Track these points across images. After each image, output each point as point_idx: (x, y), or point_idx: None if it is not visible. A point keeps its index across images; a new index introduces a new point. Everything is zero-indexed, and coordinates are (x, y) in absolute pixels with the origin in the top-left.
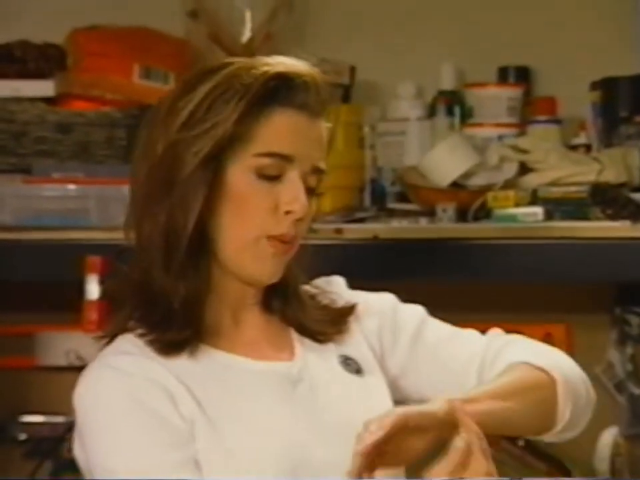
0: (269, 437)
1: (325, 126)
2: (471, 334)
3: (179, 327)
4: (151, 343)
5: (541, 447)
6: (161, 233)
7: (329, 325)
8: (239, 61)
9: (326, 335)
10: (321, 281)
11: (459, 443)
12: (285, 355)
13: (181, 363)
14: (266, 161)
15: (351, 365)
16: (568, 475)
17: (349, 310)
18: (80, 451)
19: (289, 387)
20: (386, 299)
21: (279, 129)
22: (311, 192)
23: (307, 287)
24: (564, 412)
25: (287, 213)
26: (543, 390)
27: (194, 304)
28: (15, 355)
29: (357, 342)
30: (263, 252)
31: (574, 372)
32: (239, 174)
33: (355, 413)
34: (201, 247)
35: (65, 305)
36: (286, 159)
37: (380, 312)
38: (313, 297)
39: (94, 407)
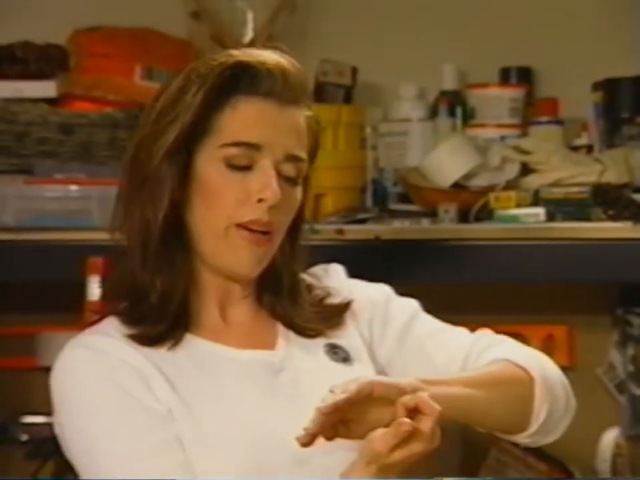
0: (245, 423)
1: (302, 114)
2: (459, 331)
3: (153, 321)
4: (131, 337)
5: (542, 448)
6: (136, 229)
7: (321, 322)
8: (206, 55)
9: (316, 330)
10: (319, 269)
11: (403, 425)
12: (268, 346)
13: (161, 351)
14: (233, 150)
15: (338, 354)
16: (569, 476)
17: (345, 307)
18: (59, 429)
19: (270, 375)
20: (381, 290)
21: (245, 118)
22: (290, 181)
23: (304, 276)
24: (539, 412)
25: (259, 201)
26: (519, 386)
27: (170, 298)
28: (16, 356)
29: (348, 332)
30: (236, 243)
31: (555, 375)
32: (209, 165)
33: None
34: (177, 241)
35: (66, 305)
36: (254, 147)
37: (373, 302)
38: (309, 287)
39: (68, 387)
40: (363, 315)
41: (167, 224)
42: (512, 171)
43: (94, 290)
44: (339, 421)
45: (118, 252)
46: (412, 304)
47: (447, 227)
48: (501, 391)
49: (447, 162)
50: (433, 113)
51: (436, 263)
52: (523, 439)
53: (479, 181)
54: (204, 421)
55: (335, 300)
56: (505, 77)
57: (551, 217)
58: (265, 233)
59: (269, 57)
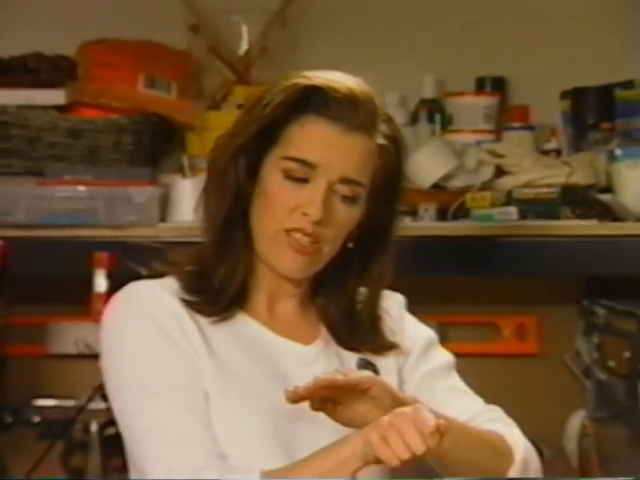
0: (261, 405)
1: (369, 141)
2: (475, 398)
3: (209, 301)
4: (185, 302)
5: None
6: (206, 217)
7: (365, 343)
8: (292, 74)
9: (356, 349)
10: (385, 293)
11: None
12: (306, 341)
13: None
14: (292, 164)
15: (369, 369)
16: (540, 453)
17: (391, 346)
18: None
19: (301, 365)
20: (428, 334)
21: (309, 137)
22: (347, 200)
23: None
24: None
25: (304, 214)
26: (497, 459)
27: (229, 285)
28: (28, 344)
29: (386, 359)
30: (282, 247)
31: (534, 474)
32: (271, 172)
33: None
34: (240, 233)
35: (74, 297)
36: (310, 165)
37: (416, 341)
38: (378, 318)
39: (115, 316)
40: (404, 351)
41: (230, 217)
42: (487, 173)
43: (100, 282)
44: (330, 399)
45: (132, 250)
46: (449, 359)
47: (426, 224)
48: (480, 451)
49: (427, 164)
50: (414, 120)
51: (416, 257)
52: None
53: (456, 182)
54: (229, 381)
55: (386, 327)
56: (480, 86)
57: (522, 216)
58: (313, 242)
59: (341, 82)
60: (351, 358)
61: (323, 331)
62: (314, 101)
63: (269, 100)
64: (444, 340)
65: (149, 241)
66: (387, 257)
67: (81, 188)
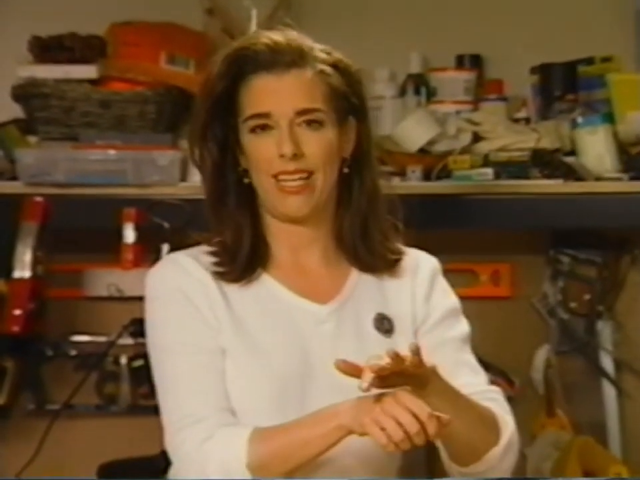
0: (273, 362)
1: (307, 73)
2: (481, 374)
3: (228, 265)
4: (212, 273)
5: (489, 360)
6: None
7: (383, 262)
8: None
9: (377, 266)
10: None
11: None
12: (325, 298)
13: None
14: (252, 122)
15: (384, 324)
16: (511, 383)
17: (399, 252)
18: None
19: (313, 325)
20: (449, 302)
21: (254, 93)
22: (314, 125)
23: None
24: (480, 465)
25: (281, 156)
26: (486, 437)
27: (239, 244)
28: (67, 288)
29: (402, 300)
30: (278, 192)
31: (507, 457)
32: (244, 138)
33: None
34: (240, 200)
35: (106, 247)
36: (264, 115)
37: (436, 306)
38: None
39: (153, 285)
40: (420, 283)
41: (221, 189)
42: (466, 138)
43: (128, 234)
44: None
45: (157, 206)
46: (464, 331)
47: (413, 184)
48: (475, 427)
49: (414, 131)
50: (402, 92)
51: (405, 213)
52: (455, 472)
53: (440, 147)
54: (245, 341)
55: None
56: (459, 62)
57: (497, 176)
58: (303, 179)
59: (261, 36)
60: (369, 313)
61: (347, 286)
62: (245, 62)
63: (210, 78)
64: None
65: (170, 198)
66: (375, 169)
67: (111, 152)
